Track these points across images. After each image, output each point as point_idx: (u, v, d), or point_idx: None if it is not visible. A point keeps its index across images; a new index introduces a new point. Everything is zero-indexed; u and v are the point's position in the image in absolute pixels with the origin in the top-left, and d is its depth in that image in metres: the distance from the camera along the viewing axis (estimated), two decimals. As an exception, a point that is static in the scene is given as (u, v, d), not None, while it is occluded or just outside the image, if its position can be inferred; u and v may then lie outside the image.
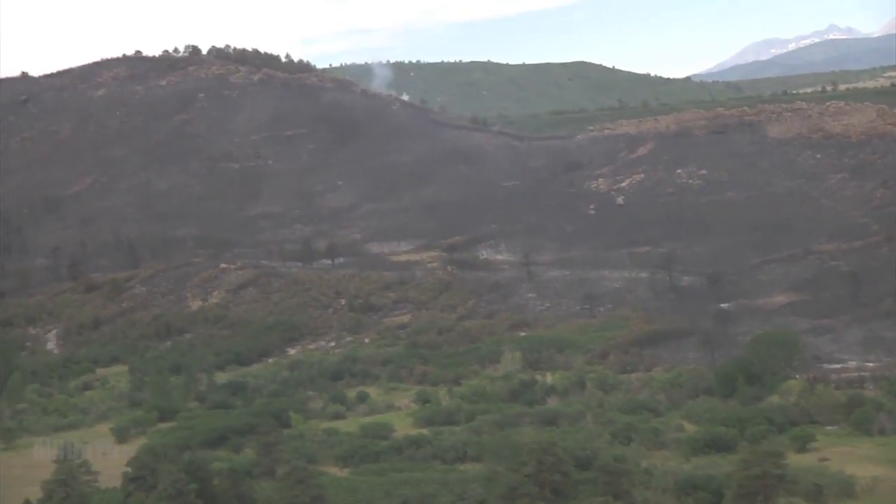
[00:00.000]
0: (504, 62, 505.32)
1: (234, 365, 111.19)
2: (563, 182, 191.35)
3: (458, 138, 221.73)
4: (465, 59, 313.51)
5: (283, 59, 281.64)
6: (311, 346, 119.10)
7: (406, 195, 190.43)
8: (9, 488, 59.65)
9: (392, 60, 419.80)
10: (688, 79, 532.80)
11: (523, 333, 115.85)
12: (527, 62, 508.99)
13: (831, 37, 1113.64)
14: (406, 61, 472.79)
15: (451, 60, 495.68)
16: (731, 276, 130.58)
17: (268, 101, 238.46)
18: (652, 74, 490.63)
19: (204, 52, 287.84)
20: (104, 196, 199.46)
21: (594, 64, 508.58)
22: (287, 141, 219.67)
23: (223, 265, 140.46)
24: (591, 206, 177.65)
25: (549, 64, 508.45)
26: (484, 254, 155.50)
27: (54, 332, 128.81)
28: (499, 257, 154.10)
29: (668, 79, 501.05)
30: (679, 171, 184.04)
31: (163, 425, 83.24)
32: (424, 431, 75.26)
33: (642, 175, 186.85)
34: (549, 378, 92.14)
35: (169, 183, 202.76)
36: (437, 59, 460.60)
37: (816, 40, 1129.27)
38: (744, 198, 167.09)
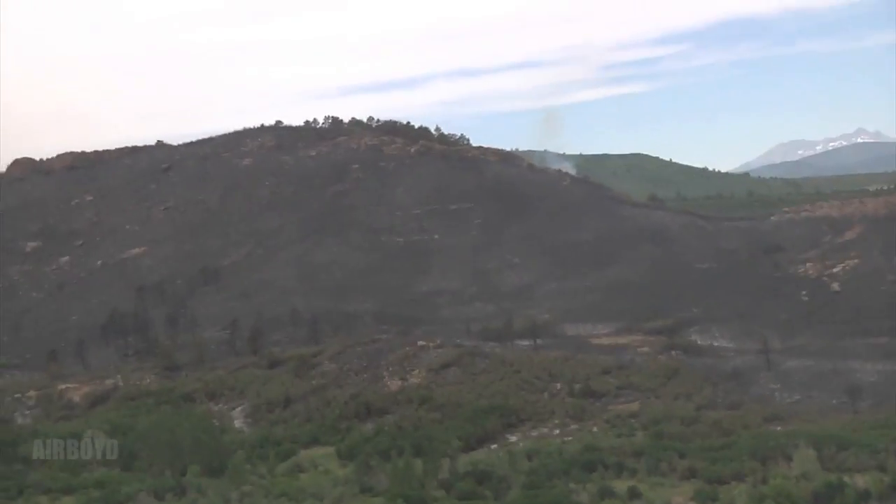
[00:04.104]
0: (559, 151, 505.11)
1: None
2: (765, 265, 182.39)
3: (638, 216, 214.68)
4: (523, 148, 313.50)
5: (435, 132, 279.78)
6: (534, 433, 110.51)
7: (590, 275, 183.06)
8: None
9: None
10: (746, 174, 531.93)
11: (779, 428, 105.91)
12: (583, 152, 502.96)
13: (860, 140, 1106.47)
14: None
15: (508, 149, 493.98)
16: None
17: (427, 174, 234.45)
18: (710, 168, 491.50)
19: (345, 122, 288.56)
20: (262, 268, 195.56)
21: (651, 156, 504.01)
22: (452, 215, 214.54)
23: (420, 343, 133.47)
24: (804, 292, 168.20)
25: (607, 155, 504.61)
26: (697, 339, 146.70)
27: (240, 409, 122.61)
28: (715, 343, 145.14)
29: (726, 173, 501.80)
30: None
31: (416, 516, 75.48)
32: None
33: (856, 260, 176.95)
34: (859, 480, 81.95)
35: (329, 256, 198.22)
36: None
37: (845, 143, 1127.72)
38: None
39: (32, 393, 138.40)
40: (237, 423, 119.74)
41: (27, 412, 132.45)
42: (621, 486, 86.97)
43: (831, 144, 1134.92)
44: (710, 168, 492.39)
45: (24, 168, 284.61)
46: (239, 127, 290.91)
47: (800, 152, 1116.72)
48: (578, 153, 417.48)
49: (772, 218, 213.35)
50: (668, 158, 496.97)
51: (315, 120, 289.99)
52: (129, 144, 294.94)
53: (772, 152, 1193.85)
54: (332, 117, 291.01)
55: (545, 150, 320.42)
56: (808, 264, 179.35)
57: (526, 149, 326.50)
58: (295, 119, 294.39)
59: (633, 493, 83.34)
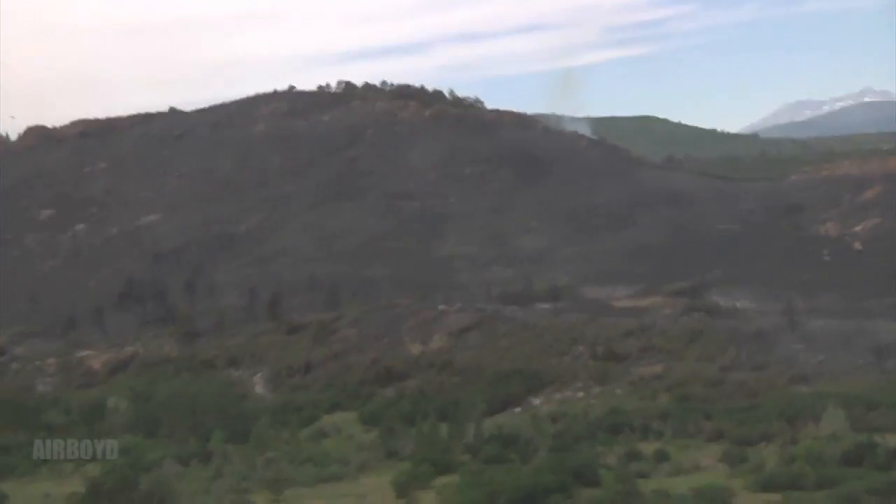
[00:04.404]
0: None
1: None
2: (785, 226, 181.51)
3: (655, 178, 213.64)
4: (531, 111, 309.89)
5: (448, 96, 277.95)
6: (557, 396, 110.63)
7: (608, 237, 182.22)
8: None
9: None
10: (755, 135, 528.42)
11: (805, 389, 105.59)
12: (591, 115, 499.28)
13: (867, 99, 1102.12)
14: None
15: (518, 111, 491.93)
16: None
17: (442, 138, 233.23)
18: (719, 130, 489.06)
19: (358, 86, 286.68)
20: (277, 234, 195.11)
21: (659, 118, 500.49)
22: (468, 179, 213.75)
23: (441, 307, 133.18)
24: (826, 252, 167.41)
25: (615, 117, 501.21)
26: (719, 301, 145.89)
27: (260, 375, 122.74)
28: (737, 305, 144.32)
29: (735, 134, 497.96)
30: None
31: (443, 480, 75.16)
32: (775, 497, 65.76)
33: (878, 219, 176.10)
34: (890, 440, 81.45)
35: (344, 221, 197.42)
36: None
37: (851, 102, 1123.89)
38: None
39: (52, 361, 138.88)
40: (258, 390, 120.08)
41: (47, 380, 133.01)
42: (648, 448, 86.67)
43: (838, 104, 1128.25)
44: (719, 129, 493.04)
45: (35, 136, 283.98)
46: (251, 93, 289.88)
47: (806, 112, 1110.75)
48: (586, 116, 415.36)
49: (791, 178, 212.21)
50: (676, 120, 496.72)
51: (328, 85, 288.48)
52: (141, 111, 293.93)
53: (778, 112, 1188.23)
54: (346, 82, 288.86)
55: (554, 114, 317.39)
56: (828, 224, 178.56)
57: (534, 111, 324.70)
58: (301, 86, 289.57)
59: (661, 456, 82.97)
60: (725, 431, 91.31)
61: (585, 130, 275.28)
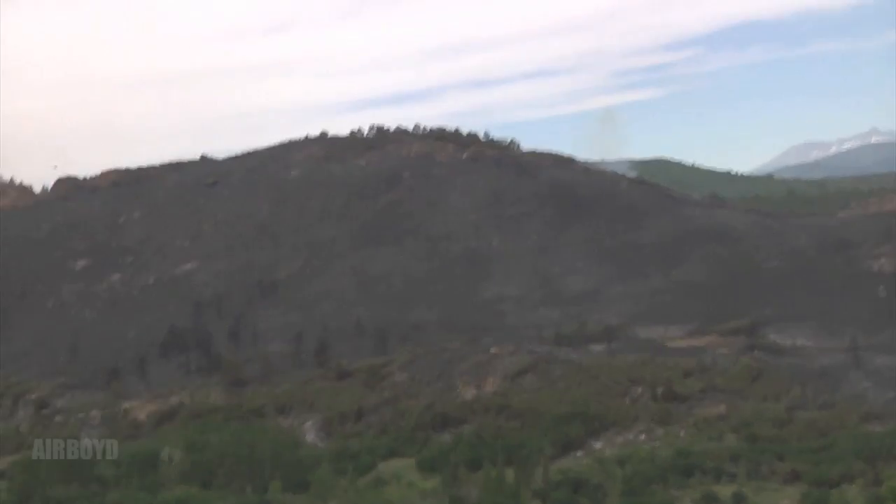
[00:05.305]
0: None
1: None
2: (837, 263, 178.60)
3: (701, 216, 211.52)
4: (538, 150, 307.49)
5: (483, 138, 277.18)
6: (619, 439, 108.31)
7: (656, 276, 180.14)
8: None
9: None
10: (770, 175, 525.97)
11: (878, 427, 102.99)
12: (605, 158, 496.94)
13: (874, 140, 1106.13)
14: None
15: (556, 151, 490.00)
16: None
17: (481, 179, 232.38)
18: (733, 172, 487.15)
19: (391, 130, 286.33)
20: (319, 279, 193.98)
21: (673, 160, 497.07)
22: (509, 220, 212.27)
23: (493, 350, 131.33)
24: (881, 288, 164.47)
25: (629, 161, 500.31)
26: (776, 339, 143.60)
27: (311, 422, 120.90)
28: (797, 342, 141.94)
29: (750, 175, 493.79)
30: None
31: (515, 527, 73.33)
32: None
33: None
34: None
35: (387, 265, 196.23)
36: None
37: (859, 143, 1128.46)
38: None
39: (95, 412, 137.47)
40: (309, 437, 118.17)
41: (92, 431, 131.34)
42: (723, 491, 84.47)
43: (845, 145, 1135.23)
44: (733, 171, 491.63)
45: (67, 187, 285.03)
46: (283, 139, 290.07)
47: (814, 153, 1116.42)
48: (600, 159, 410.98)
49: (839, 214, 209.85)
50: (690, 162, 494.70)
51: (360, 129, 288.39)
52: (173, 160, 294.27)
53: (787, 154, 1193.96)
54: (378, 126, 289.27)
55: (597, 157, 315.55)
56: (882, 259, 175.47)
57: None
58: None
59: (738, 498, 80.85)
60: (802, 472, 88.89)
61: (626, 170, 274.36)
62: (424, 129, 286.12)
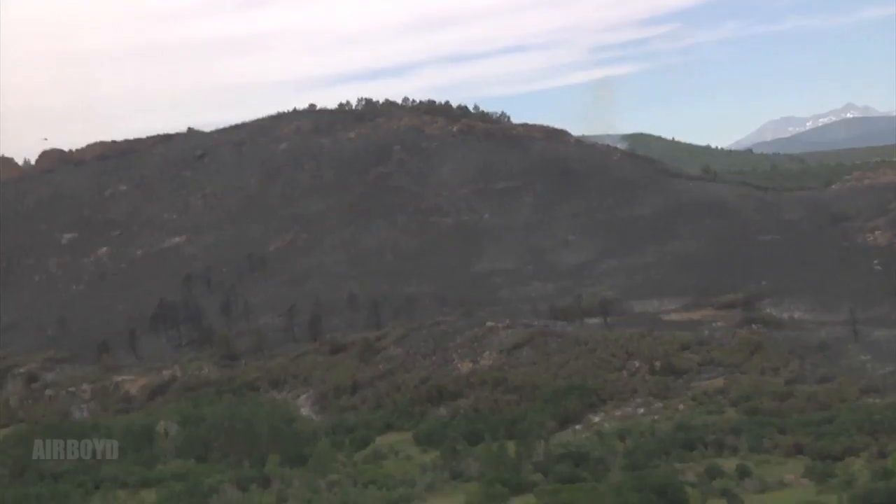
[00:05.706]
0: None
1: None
2: (831, 236, 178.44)
3: (693, 190, 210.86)
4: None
5: (474, 111, 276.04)
6: (617, 413, 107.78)
7: (649, 250, 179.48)
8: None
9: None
10: (749, 150, 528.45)
11: (878, 400, 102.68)
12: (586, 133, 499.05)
13: (849, 115, 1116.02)
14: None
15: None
16: None
17: (472, 153, 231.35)
18: (713, 146, 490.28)
19: (379, 103, 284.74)
20: (309, 253, 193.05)
21: (653, 135, 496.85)
22: (501, 194, 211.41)
23: (489, 324, 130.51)
24: (876, 261, 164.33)
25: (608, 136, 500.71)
26: (773, 312, 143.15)
27: (306, 396, 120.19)
28: (794, 316, 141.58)
29: (730, 150, 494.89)
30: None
31: (517, 501, 72.65)
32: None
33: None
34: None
35: (378, 239, 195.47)
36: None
37: (834, 119, 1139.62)
38: None
39: (86, 386, 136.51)
40: (304, 411, 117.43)
41: (83, 406, 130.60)
42: (727, 464, 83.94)
43: (821, 120, 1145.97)
44: (713, 146, 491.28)
45: (53, 160, 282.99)
46: (271, 112, 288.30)
47: (790, 129, 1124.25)
48: (581, 134, 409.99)
49: (832, 187, 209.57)
50: (669, 137, 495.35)
51: (349, 102, 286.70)
52: (160, 133, 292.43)
53: (763, 129, 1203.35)
54: (366, 99, 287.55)
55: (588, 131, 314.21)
56: (876, 233, 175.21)
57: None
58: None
59: (743, 472, 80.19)
60: (804, 446, 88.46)
61: (619, 144, 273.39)
62: (413, 102, 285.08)
